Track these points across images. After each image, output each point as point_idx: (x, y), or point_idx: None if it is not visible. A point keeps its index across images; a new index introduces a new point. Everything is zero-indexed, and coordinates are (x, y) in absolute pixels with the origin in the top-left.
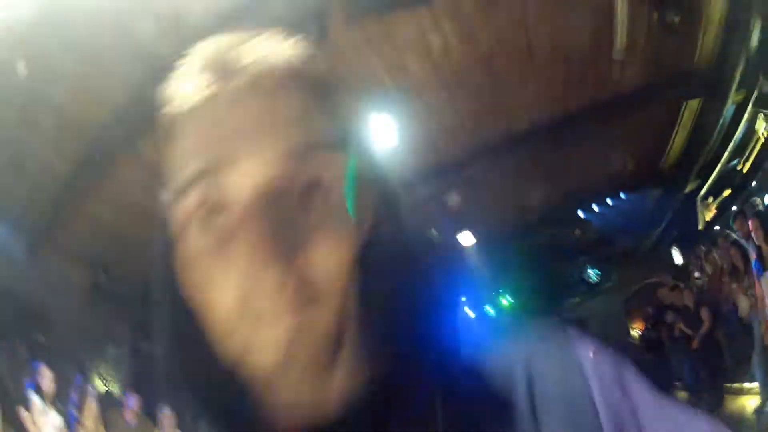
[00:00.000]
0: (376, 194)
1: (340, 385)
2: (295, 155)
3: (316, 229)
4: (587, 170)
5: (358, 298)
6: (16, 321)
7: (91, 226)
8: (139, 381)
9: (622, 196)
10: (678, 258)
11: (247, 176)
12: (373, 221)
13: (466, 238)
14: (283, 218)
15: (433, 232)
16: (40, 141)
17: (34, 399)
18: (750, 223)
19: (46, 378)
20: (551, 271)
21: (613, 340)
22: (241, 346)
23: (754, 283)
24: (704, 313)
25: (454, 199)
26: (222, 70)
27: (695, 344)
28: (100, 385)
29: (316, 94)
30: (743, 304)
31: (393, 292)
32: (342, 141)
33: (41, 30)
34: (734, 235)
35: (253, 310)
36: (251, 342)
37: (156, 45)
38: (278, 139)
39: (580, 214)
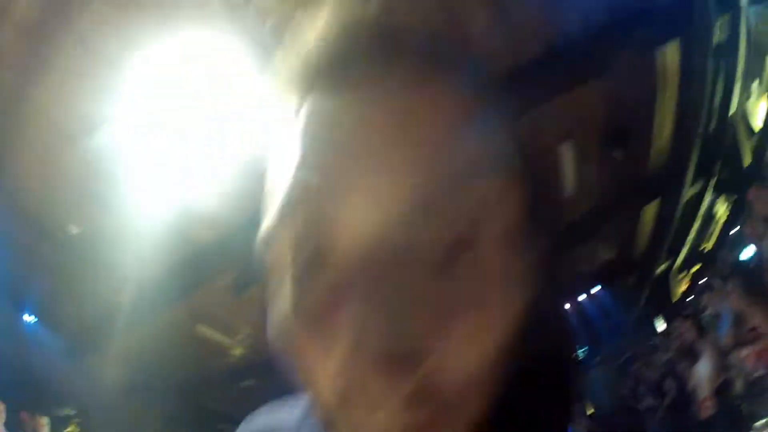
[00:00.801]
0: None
1: None
2: (435, 192)
3: (456, 306)
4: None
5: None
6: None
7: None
8: None
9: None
10: (661, 327)
11: (360, 217)
12: (530, 296)
13: None
14: (408, 292)
15: None
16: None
17: None
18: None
19: None
20: None
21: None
22: None
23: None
24: (667, 385)
25: None
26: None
27: (659, 414)
28: None
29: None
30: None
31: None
32: (507, 162)
33: None
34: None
35: (353, 415)
36: None
37: None
38: (412, 163)
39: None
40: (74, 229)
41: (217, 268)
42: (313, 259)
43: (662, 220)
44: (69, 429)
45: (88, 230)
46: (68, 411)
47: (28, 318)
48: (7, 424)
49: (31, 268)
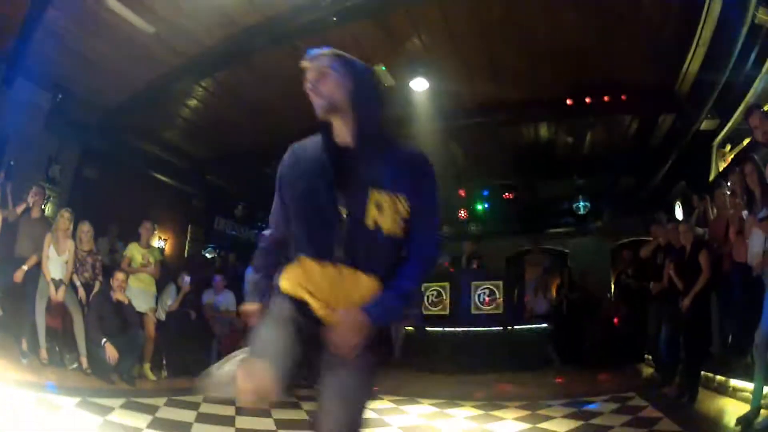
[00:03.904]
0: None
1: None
2: None
3: None
4: (590, 62)
5: None
6: None
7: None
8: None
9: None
10: (679, 214)
11: None
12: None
13: (420, 85)
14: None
15: (383, 69)
16: None
17: None
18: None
19: None
20: (536, 186)
21: (593, 285)
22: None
23: None
24: (703, 259)
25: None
26: None
27: (686, 303)
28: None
29: None
30: (756, 247)
31: None
32: None
33: None
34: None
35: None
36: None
37: None
38: None
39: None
40: None
41: None
42: None
43: (720, 43)
44: None
45: None
46: None
47: None
48: None
49: None
